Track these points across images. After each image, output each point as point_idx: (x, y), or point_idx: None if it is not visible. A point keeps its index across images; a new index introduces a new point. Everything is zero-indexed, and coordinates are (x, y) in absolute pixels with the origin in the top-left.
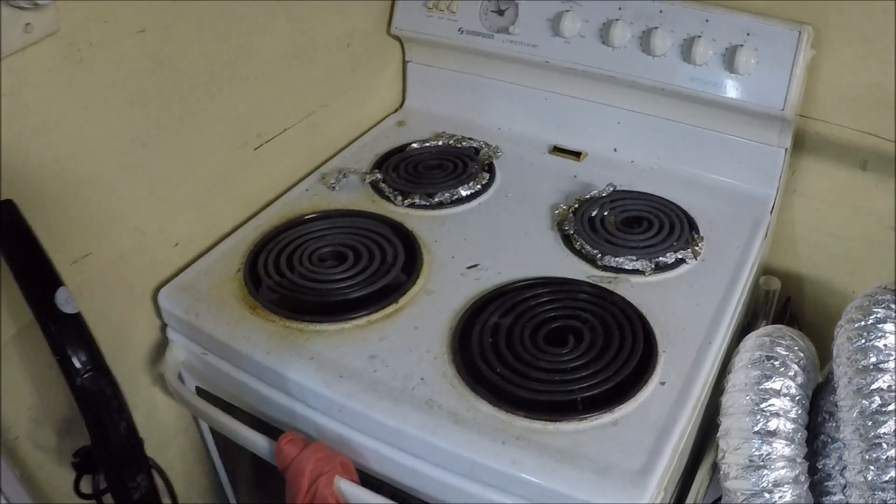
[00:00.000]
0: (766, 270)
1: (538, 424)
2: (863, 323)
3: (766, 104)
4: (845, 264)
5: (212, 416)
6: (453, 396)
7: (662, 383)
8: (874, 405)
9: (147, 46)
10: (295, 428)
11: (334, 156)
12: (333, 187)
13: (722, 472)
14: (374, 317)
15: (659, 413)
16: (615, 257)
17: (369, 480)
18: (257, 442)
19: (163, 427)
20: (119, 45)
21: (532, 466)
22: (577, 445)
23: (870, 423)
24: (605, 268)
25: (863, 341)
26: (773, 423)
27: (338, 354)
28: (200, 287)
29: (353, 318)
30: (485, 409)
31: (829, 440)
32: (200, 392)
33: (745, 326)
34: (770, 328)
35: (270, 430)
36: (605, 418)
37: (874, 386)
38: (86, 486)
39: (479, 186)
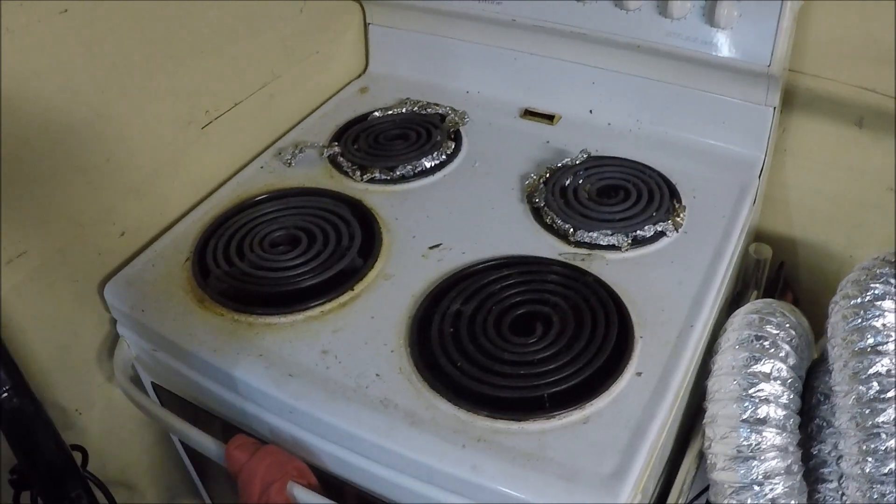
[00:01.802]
0: (757, 236)
1: (501, 424)
2: (859, 300)
3: (752, 60)
4: (842, 227)
5: (160, 416)
6: (410, 394)
7: (639, 374)
8: (872, 391)
9: (73, 28)
10: (250, 428)
11: (293, 128)
12: (290, 163)
13: (708, 463)
14: (327, 306)
15: (634, 408)
16: (589, 232)
17: (331, 482)
18: (207, 445)
19: (124, 422)
20: (41, 28)
21: (493, 472)
22: (543, 447)
23: (867, 412)
24: (578, 244)
25: (859, 321)
26: (763, 410)
27: (288, 350)
28: (147, 279)
29: (306, 310)
30: (444, 407)
31: (825, 424)
32: (157, 388)
33: (735, 297)
34: (760, 303)
35: (232, 428)
36: (575, 416)
37: (872, 370)
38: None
39: (443, 157)
